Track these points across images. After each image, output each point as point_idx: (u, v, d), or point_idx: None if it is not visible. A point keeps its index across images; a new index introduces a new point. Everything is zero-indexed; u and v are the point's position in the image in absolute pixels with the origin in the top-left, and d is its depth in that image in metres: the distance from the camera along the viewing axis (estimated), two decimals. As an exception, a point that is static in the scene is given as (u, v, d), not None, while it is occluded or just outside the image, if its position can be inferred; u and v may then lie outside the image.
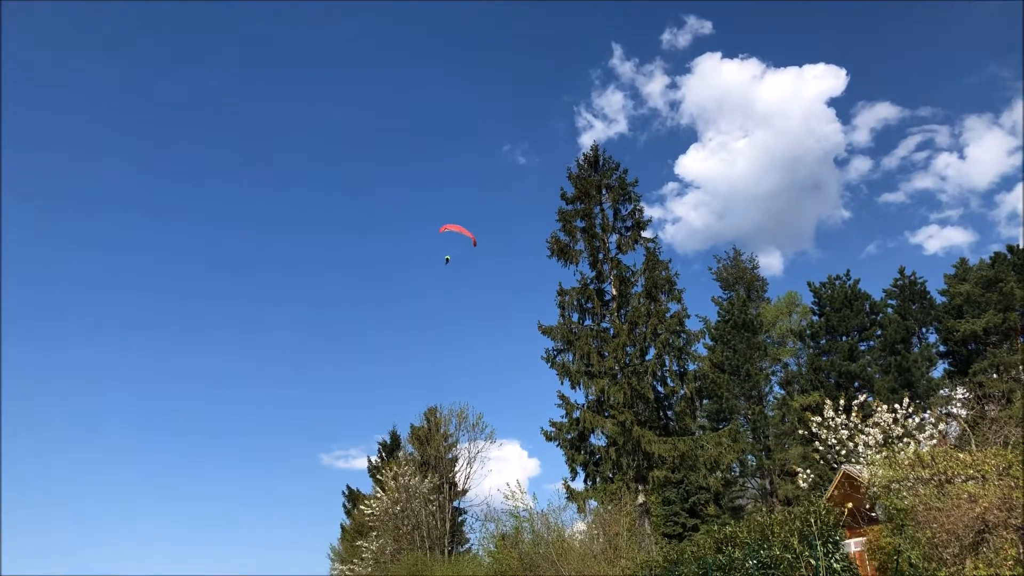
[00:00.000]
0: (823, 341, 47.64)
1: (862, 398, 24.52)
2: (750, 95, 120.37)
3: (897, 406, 21.85)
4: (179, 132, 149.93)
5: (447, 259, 34.61)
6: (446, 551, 46.32)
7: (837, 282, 48.84)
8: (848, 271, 48.86)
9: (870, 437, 21.54)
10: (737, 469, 45.53)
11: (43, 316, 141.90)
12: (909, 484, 12.93)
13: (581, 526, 28.27)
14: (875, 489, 15.36)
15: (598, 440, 37.11)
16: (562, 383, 37.28)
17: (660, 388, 37.17)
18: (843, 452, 22.35)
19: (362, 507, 51.18)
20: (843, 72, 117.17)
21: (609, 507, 22.46)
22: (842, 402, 23.72)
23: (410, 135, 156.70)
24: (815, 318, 49.83)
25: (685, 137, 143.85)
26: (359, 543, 49.51)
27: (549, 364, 37.89)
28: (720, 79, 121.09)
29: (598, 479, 36.47)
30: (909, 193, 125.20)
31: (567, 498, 35.49)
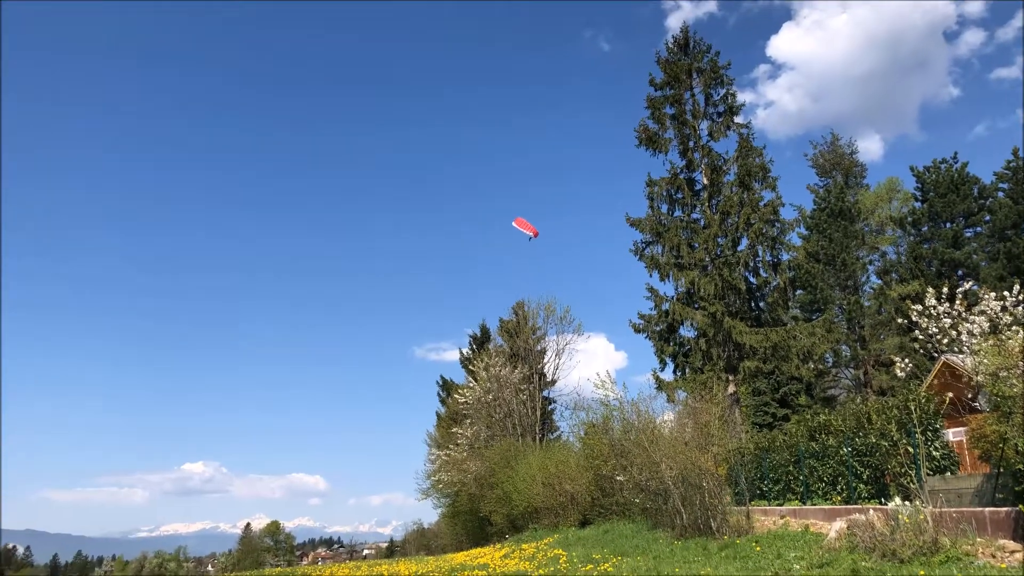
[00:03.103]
0: (925, 228, 45.62)
1: (967, 286, 23.53)
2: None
3: (1006, 293, 20.89)
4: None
5: (530, 239, 41.97)
6: (537, 438, 47.80)
7: (943, 166, 46.25)
8: (955, 154, 46.18)
9: (975, 326, 20.75)
10: (830, 360, 44.94)
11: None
12: (1019, 371, 12.51)
13: (669, 416, 28.64)
14: (980, 377, 14.94)
15: (687, 332, 37.13)
16: (651, 275, 37.15)
17: (752, 279, 36.63)
18: (945, 341, 21.65)
19: (456, 396, 52.97)
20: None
21: (699, 397, 22.57)
22: (945, 290, 22.83)
23: (486, 25, 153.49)
24: (917, 204, 47.57)
25: (778, 15, 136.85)
26: (454, 430, 51.47)
27: (637, 257, 37.70)
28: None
29: (687, 370, 36.65)
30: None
31: (656, 388, 35.91)
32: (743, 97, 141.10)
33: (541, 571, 15.67)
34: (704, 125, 37.92)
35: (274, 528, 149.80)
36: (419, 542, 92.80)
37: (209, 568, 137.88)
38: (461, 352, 63.69)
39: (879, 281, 48.97)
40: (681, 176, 37.68)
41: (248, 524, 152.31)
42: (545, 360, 52.74)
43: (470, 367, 53.61)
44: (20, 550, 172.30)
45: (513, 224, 43.41)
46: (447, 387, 65.91)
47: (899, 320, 30.26)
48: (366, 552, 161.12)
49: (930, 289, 22.79)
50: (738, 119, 37.60)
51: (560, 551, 20.56)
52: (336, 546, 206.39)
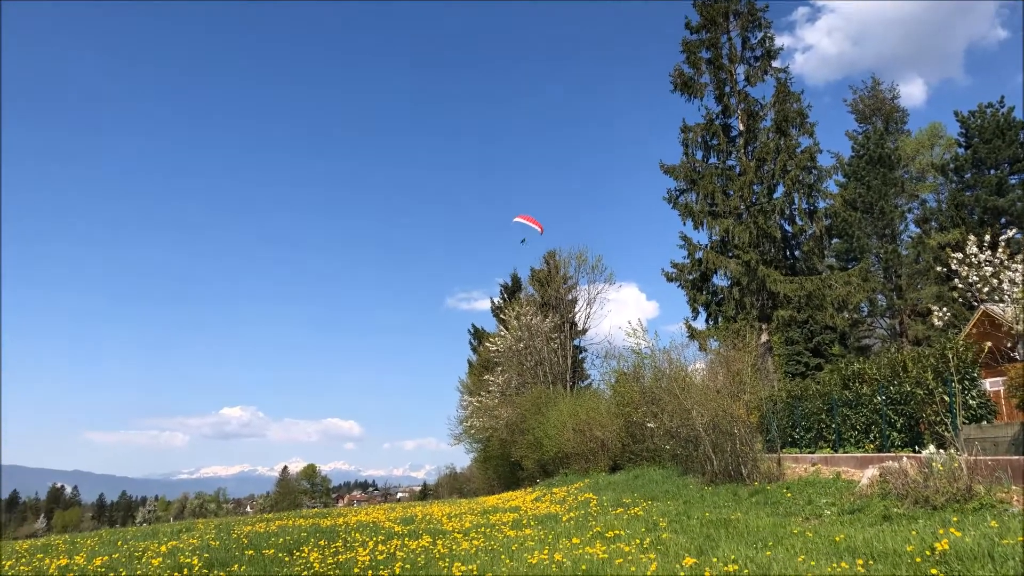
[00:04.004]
0: (968, 175, 44.45)
1: (1010, 234, 22.94)
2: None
3: (1051, 241, 20.37)
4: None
5: (523, 240, 45.33)
6: (568, 386, 48.12)
7: (988, 110, 44.79)
8: (1002, 98, 44.66)
9: (1017, 274, 20.31)
10: (865, 309, 44.41)
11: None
12: (1061, 320, 12.29)
13: (701, 364, 28.63)
14: (1021, 327, 14.69)
15: (720, 280, 36.81)
16: (684, 224, 36.75)
17: (788, 227, 36.08)
18: (985, 290, 21.24)
19: (487, 344, 53.39)
20: None
21: (731, 345, 22.49)
22: (987, 238, 22.30)
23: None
24: (960, 150, 46.29)
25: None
26: (486, 377, 51.99)
27: (671, 205, 37.25)
28: None
29: (720, 319, 36.44)
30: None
31: (688, 337, 35.83)
32: (781, 41, 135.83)
33: (571, 514, 15.89)
34: (741, 70, 37.07)
35: (310, 471, 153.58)
36: (451, 486, 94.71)
37: (248, 509, 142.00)
38: (492, 301, 64.04)
39: (918, 229, 48.08)
40: (717, 122, 36.98)
41: (285, 467, 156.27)
42: (576, 309, 52.83)
43: (501, 316, 53.88)
44: (68, 489, 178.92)
45: (515, 220, 43.94)
46: (479, 335, 66.40)
47: (938, 269, 29.70)
48: (400, 495, 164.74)
49: (971, 237, 22.28)
50: (776, 63, 36.69)
51: (590, 495, 20.81)
52: (371, 489, 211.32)
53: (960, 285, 22.08)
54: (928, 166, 51.06)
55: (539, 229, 43.85)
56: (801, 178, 34.86)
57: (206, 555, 11.86)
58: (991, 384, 21.01)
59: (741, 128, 36.57)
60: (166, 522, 55.03)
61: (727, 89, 36.96)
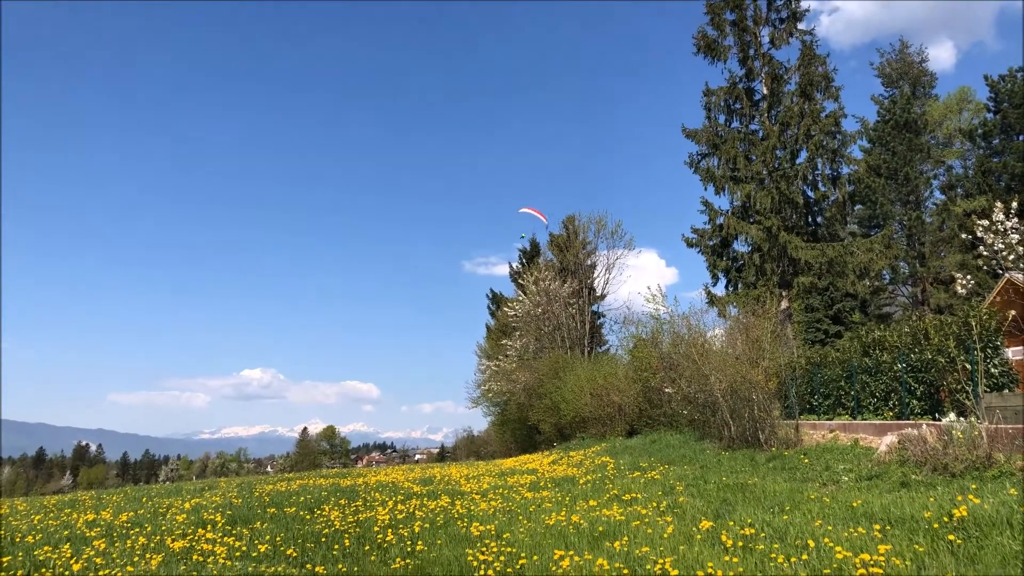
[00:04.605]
0: (996, 141, 43.64)
1: (1038, 201, 22.55)
2: None
3: (1079, 209, 20.01)
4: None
5: (523, 236, 45.49)
6: (586, 351, 48.20)
7: (1019, 74, 43.77)
8: (1034, 61, 43.60)
9: (1043, 242, 20.02)
10: (887, 276, 44.02)
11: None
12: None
13: (719, 331, 28.58)
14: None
15: (741, 246, 36.50)
16: (705, 189, 36.38)
17: (810, 193, 35.62)
18: (1011, 258, 20.97)
19: (505, 309, 53.46)
20: None
21: (751, 311, 22.38)
22: (1014, 205, 21.95)
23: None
24: (989, 116, 45.40)
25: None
26: (504, 342, 52.14)
27: (692, 169, 36.85)
28: None
29: (740, 285, 36.22)
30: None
31: (708, 303, 35.66)
32: (807, 2, 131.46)
33: (588, 477, 16.02)
34: (765, 32, 36.34)
35: (330, 432, 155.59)
36: (469, 448, 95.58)
37: (268, 469, 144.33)
38: (511, 266, 63.98)
39: (943, 196, 47.36)
40: (740, 85, 36.38)
41: (305, 428, 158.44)
42: (595, 274, 52.72)
43: (520, 281, 53.87)
44: (93, 448, 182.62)
45: (521, 211, 45.17)
46: (497, 300, 66.49)
47: (962, 236, 29.33)
48: (418, 457, 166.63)
49: (998, 204, 21.93)
50: (801, 25, 35.91)
51: (607, 459, 20.94)
52: (389, 451, 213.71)
53: (985, 253, 21.82)
54: (955, 131, 50.15)
55: (544, 220, 44.46)
56: (825, 143, 34.33)
57: (229, 512, 12.09)
58: (1013, 353, 20.80)
59: (765, 92, 35.99)
60: (189, 480, 56.11)
61: (751, 52, 36.31)
